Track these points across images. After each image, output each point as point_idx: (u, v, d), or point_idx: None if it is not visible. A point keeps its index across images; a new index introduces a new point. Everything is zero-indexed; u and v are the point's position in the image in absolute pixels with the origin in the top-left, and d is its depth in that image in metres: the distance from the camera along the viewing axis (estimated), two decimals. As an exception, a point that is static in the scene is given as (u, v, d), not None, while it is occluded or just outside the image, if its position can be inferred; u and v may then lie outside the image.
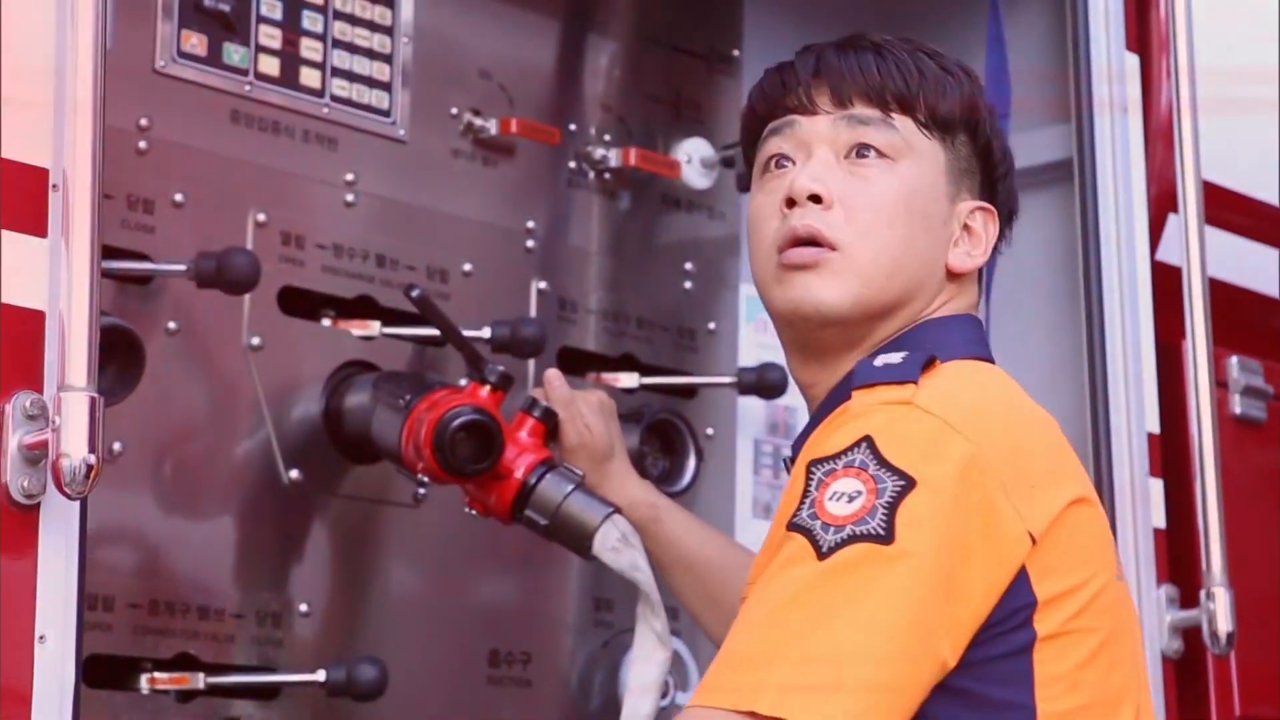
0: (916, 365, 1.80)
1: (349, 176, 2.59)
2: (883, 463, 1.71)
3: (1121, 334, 2.85)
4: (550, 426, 2.44)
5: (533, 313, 2.74)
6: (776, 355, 2.90)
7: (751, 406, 3.01)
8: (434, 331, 2.50)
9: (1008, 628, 1.73)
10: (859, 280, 1.92)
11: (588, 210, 2.85)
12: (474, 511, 2.43)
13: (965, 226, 2.00)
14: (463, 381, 2.45)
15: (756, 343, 3.03)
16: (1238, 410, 3.14)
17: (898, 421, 1.75)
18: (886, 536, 1.69)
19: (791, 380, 2.08)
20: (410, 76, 2.65)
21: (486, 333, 2.59)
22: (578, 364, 2.81)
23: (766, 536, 1.86)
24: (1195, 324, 2.75)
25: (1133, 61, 2.97)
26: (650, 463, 2.75)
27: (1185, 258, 2.78)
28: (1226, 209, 3.15)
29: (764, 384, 2.88)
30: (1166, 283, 2.92)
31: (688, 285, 2.95)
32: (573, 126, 2.84)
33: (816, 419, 1.93)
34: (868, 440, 1.73)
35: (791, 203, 1.95)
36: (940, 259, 1.98)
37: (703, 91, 3.01)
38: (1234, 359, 3.15)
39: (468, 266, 2.68)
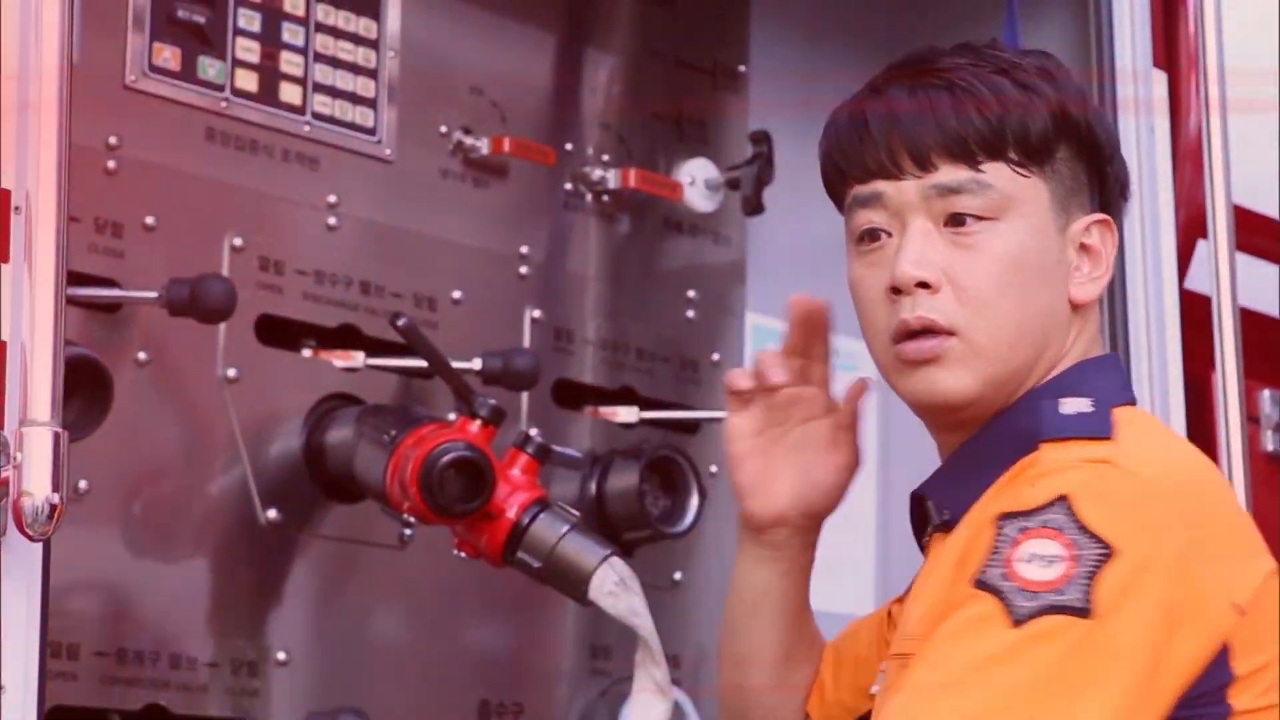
0: (1108, 417, 1.80)
1: (331, 198, 2.57)
2: (1082, 527, 1.70)
3: (1148, 365, 2.84)
4: (544, 462, 2.42)
5: (526, 343, 2.73)
6: None
7: None
8: (421, 363, 2.49)
9: (1204, 704, 1.72)
10: (982, 361, 1.89)
11: (585, 234, 2.84)
12: (463, 553, 2.41)
13: (1081, 246, 1.94)
14: (452, 416, 2.44)
15: None
16: (1270, 446, 3.13)
17: (1097, 482, 1.73)
18: (1085, 610, 1.67)
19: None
20: (397, 93, 2.64)
21: (477, 364, 2.58)
22: (574, 397, 2.80)
23: (930, 585, 1.82)
24: (1225, 355, 2.73)
25: (1160, 78, 2.95)
26: (650, 501, 2.74)
27: (1215, 286, 2.76)
28: (1259, 234, 3.13)
29: None
30: (1195, 312, 2.90)
31: (690, 314, 2.94)
32: (569, 146, 2.83)
33: (966, 461, 1.90)
34: (1064, 500, 1.71)
35: (898, 291, 1.90)
36: (1062, 299, 1.93)
37: (707, 110, 3.00)
38: (1266, 393, 3.14)
39: (457, 294, 2.67)
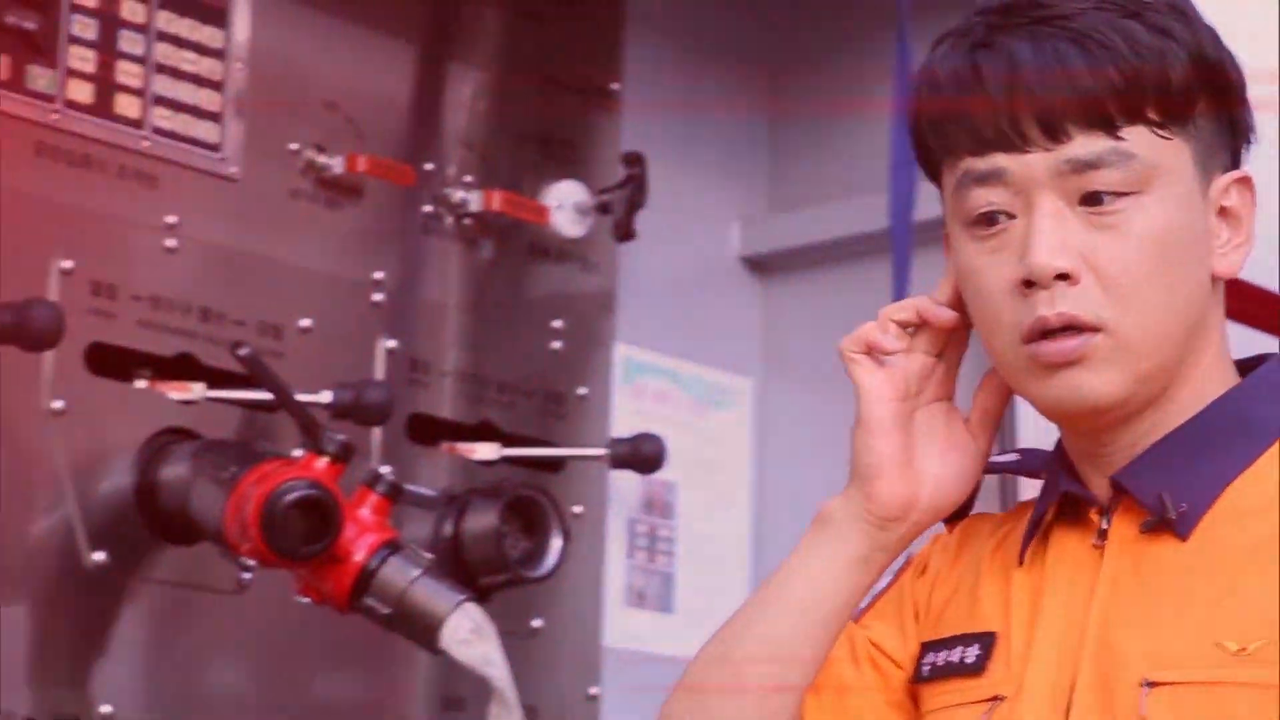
0: None
1: (171, 219, 2.53)
2: None
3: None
4: (396, 502, 2.40)
5: (379, 375, 2.70)
6: (653, 424, 2.97)
7: (625, 481, 2.98)
8: (265, 395, 2.46)
9: None
10: (1133, 358, 1.74)
11: (444, 260, 2.81)
12: (307, 599, 2.39)
13: (1220, 210, 1.79)
14: (297, 452, 2.41)
15: (632, 410, 3.02)
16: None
17: None
18: None
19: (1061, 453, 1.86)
20: (244, 106, 2.61)
21: (326, 397, 2.56)
22: (430, 432, 2.77)
23: (1242, 591, 1.69)
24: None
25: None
26: (510, 544, 2.71)
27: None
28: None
29: (639, 456, 2.86)
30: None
31: (556, 345, 2.92)
32: (429, 165, 2.80)
33: (1184, 451, 1.77)
34: None
35: (1032, 281, 1.73)
36: (1207, 274, 1.79)
37: (577, 129, 2.98)
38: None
39: (306, 322, 2.64)
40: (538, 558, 2.74)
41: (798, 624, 1.82)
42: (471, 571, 2.68)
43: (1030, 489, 1.88)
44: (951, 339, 1.85)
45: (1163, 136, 1.73)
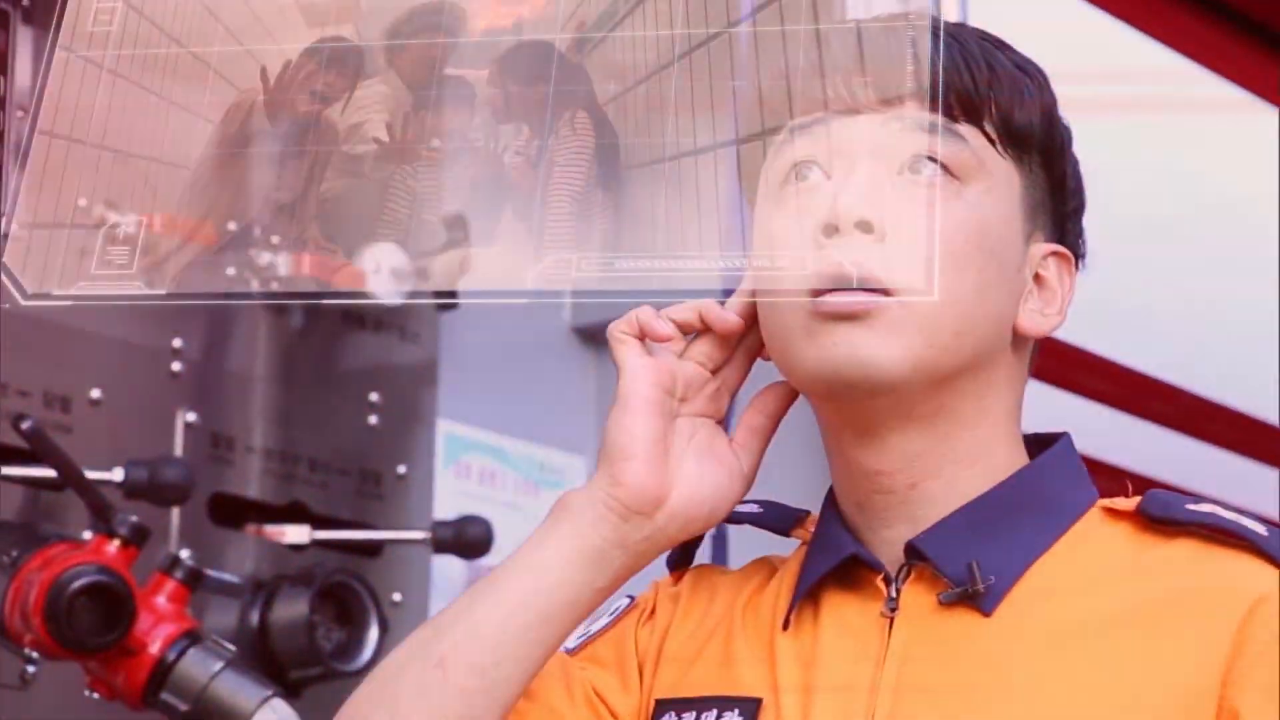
0: None
1: (-55, 279, 2.47)
2: None
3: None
4: (196, 589, 2.38)
5: (178, 451, 2.67)
6: (478, 506, 2.94)
7: (448, 568, 2.97)
8: (51, 472, 2.42)
9: None
10: (920, 336, 1.68)
11: (250, 327, 2.80)
12: (97, 695, 2.37)
13: (1036, 276, 1.78)
14: (86, 535, 2.39)
15: (456, 490, 3.03)
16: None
17: None
18: None
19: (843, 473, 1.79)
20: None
21: (118, 475, 2.52)
22: (235, 513, 2.74)
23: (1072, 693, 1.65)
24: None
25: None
26: (322, 635, 2.69)
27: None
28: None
29: (464, 541, 2.85)
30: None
31: (373, 420, 2.90)
32: (232, 225, 2.74)
33: (991, 520, 1.73)
34: None
35: (832, 229, 1.69)
36: (1010, 317, 1.76)
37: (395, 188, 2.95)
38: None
39: (96, 393, 2.60)
40: (353, 650, 2.72)
41: (514, 616, 1.70)
42: (280, 664, 2.66)
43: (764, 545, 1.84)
44: (732, 361, 1.78)
45: (996, 150, 1.74)
